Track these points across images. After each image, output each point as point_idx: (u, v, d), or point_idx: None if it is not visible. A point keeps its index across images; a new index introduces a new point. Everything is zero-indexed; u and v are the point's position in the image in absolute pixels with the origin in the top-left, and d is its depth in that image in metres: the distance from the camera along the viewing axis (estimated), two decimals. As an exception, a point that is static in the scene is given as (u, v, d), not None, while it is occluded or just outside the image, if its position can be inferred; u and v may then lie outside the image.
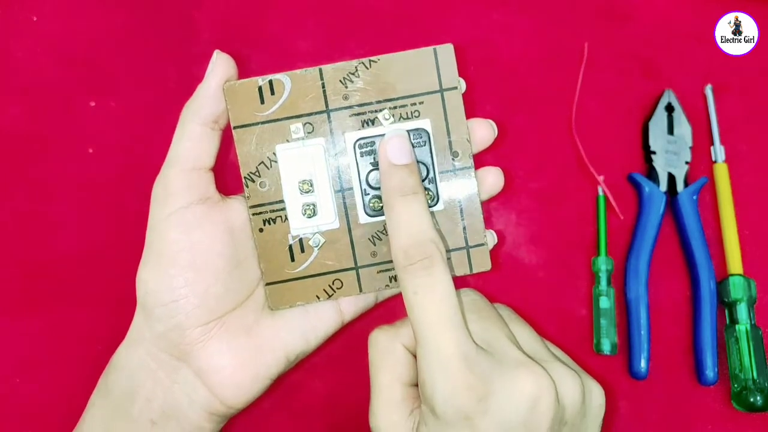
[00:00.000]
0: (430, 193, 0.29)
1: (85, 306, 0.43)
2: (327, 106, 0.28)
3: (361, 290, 0.30)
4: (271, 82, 0.28)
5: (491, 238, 0.31)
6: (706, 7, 0.50)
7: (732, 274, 0.43)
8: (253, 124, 0.29)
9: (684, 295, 0.45)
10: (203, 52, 0.48)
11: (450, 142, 0.29)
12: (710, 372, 0.42)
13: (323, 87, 0.28)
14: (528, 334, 0.30)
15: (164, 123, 0.47)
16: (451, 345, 0.26)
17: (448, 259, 0.30)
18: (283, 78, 0.28)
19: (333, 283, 0.30)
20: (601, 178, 0.46)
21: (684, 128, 0.46)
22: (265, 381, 0.33)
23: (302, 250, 0.30)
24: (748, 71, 0.49)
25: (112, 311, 0.43)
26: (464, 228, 0.30)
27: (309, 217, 0.29)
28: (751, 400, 0.40)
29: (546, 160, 0.47)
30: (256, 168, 0.29)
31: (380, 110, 0.28)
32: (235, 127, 0.29)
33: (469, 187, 0.30)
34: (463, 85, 0.29)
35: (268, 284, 0.30)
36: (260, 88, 0.29)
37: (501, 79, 0.49)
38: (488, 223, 0.45)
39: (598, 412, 0.29)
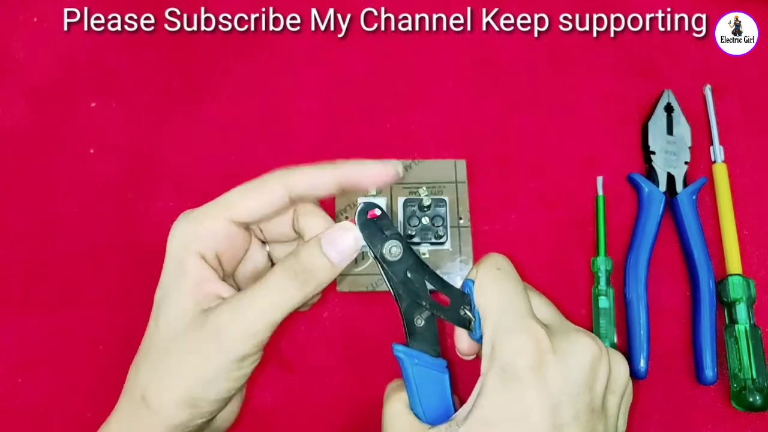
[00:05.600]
0: (444, 237, 0.43)
1: (86, 306, 0.43)
2: None
3: None
4: None
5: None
6: (706, 7, 0.50)
7: (731, 274, 0.44)
8: None
9: (683, 295, 0.45)
10: (205, 52, 0.49)
11: (458, 210, 0.45)
12: (709, 371, 0.42)
13: None
14: (550, 307, 0.33)
15: (166, 123, 0.47)
16: (522, 306, 0.30)
17: None
18: None
19: (377, 281, 0.44)
20: (600, 178, 0.46)
21: (683, 128, 0.46)
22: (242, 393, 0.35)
23: (363, 258, 0.44)
24: (748, 71, 0.49)
25: (113, 311, 0.43)
26: (460, 260, 0.44)
27: None
28: (751, 399, 0.40)
29: (546, 160, 0.47)
30: (345, 207, 0.45)
31: (420, 187, 0.44)
32: None
33: (466, 237, 0.45)
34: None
35: (339, 275, 0.40)
36: None
37: (501, 79, 0.49)
38: (488, 223, 0.46)
39: (629, 393, 0.32)
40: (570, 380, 0.28)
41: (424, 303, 0.31)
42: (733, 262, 0.44)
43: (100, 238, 0.45)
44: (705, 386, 0.43)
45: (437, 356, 0.31)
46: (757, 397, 0.40)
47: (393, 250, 0.31)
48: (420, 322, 0.31)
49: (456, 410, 0.31)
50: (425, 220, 0.44)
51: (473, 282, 0.32)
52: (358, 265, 0.44)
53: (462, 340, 0.32)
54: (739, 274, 0.43)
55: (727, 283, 0.43)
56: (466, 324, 0.32)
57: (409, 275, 0.31)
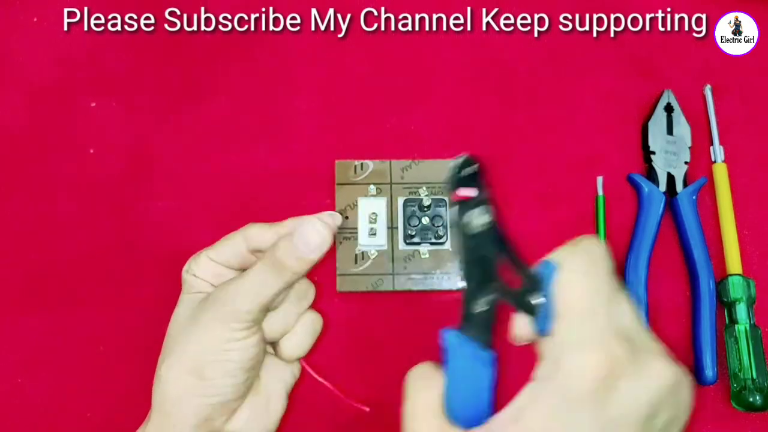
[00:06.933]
0: (444, 237, 0.44)
1: (86, 306, 0.43)
2: (391, 180, 0.45)
3: (393, 287, 0.44)
4: (362, 164, 0.45)
5: None
6: (706, 7, 0.50)
7: (731, 274, 0.44)
8: (348, 183, 0.45)
9: (683, 294, 0.45)
10: (205, 52, 0.49)
11: None
12: (709, 371, 0.42)
13: (390, 170, 0.45)
14: (635, 316, 0.28)
15: (166, 123, 0.47)
16: (608, 315, 0.26)
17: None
18: (369, 162, 0.45)
19: (377, 281, 0.44)
20: (600, 178, 0.46)
21: (683, 128, 0.46)
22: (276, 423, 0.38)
23: (363, 258, 0.44)
24: (748, 71, 0.49)
25: (112, 311, 0.43)
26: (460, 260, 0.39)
27: (370, 237, 0.44)
28: (751, 399, 0.41)
29: (546, 160, 0.47)
30: (345, 207, 0.45)
31: (420, 187, 0.45)
32: (338, 183, 0.45)
33: None
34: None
35: (339, 275, 0.44)
36: (355, 166, 0.45)
37: (501, 79, 0.49)
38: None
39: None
40: (631, 412, 0.25)
41: (493, 284, 0.27)
42: (733, 262, 0.44)
43: (100, 238, 0.45)
44: (705, 386, 0.43)
45: (488, 348, 0.27)
46: (757, 397, 0.40)
47: (480, 219, 0.26)
48: (480, 306, 0.27)
49: (492, 412, 0.27)
50: (425, 220, 0.44)
51: (554, 267, 0.27)
52: (358, 265, 0.44)
53: (520, 326, 0.28)
54: (739, 274, 0.43)
55: (727, 283, 0.43)
56: (533, 311, 0.27)
57: (486, 250, 0.27)
